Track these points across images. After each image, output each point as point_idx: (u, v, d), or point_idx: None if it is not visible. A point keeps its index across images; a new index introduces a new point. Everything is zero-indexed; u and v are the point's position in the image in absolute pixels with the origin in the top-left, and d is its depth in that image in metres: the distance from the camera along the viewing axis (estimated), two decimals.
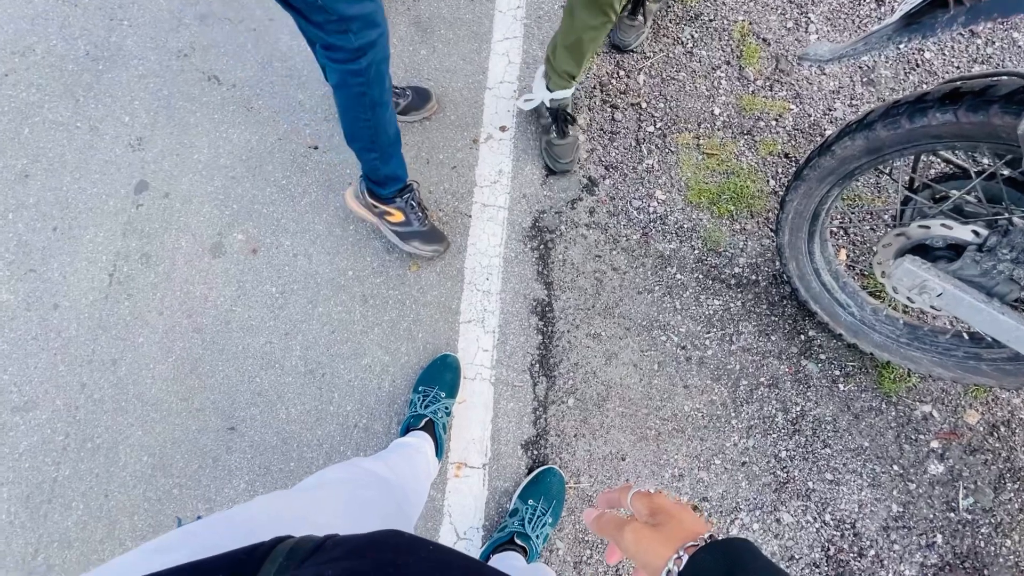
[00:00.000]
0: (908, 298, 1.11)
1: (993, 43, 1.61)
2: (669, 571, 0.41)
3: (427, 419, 1.24)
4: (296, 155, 1.65)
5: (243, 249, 1.56)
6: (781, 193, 1.52)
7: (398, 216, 1.39)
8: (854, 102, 1.60)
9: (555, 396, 1.39)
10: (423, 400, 1.27)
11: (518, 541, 1.14)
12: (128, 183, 1.64)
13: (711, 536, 0.42)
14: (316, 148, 1.66)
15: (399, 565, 0.37)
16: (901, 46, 0.89)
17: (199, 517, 0.48)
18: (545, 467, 1.30)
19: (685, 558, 0.40)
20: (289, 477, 1.34)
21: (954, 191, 1.02)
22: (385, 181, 1.31)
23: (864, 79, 1.63)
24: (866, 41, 0.94)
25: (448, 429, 1.32)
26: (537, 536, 1.18)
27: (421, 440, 1.20)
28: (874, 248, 1.22)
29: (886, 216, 1.48)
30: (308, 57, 1.78)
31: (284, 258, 1.53)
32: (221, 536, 0.46)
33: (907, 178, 1.15)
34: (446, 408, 1.28)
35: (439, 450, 1.24)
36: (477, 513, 1.28)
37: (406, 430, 1.25)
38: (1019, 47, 1.61)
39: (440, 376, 1.33)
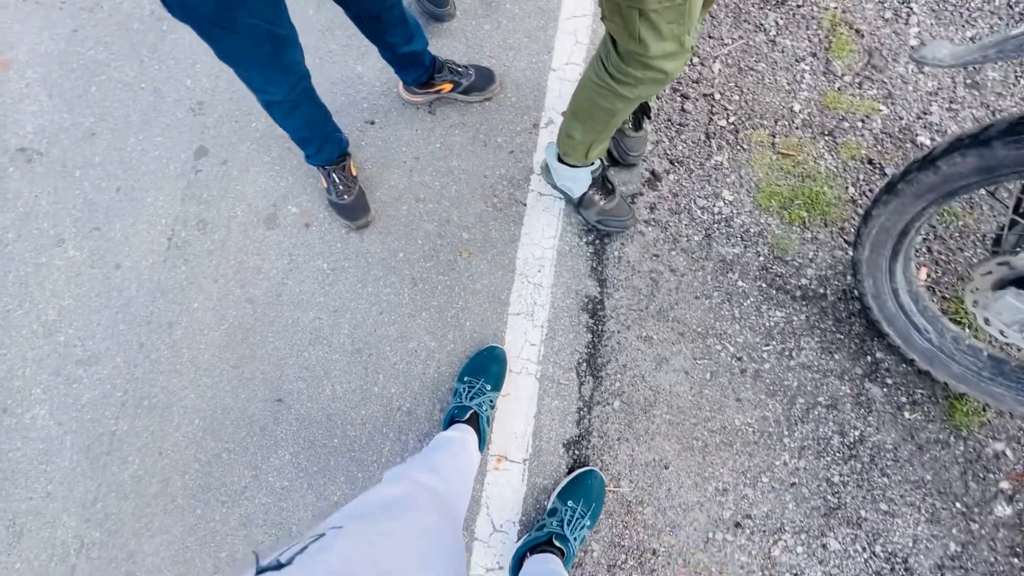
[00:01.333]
0: (1002, 332, 1.02)
1: None
2: None
3: (472, 411, 1.23)
4: (352, 129, 1.62)
5: (296, 223, 1.56)
6: (862, 201, 1.42)
7: (323, 183, 1.50)
8: (954, 106, 1.46)
9: (601, 397, 1.36)
10: (468, 391, 1.26)
11: (556, 543, 1.14)
12: (188, 148, 1.65)
13: None
14: (373, 123, 1.63)
15: None
16: None
17: (278, 562, 0.47)
18: (586, 468, 1.28)
19: None
20: (332, 453, 1.36)
21: None
22: (309, 157, 1.44)
23: (967, 81, 1.48)
24: (1000, 48, 0.83)
25: (492, 422, 1.31)
26: (575, 538, 1.17)
27: (465, 434, 1.19)
28: (968, 274, 1.12)
29: (978, 235, 1.37)
30: None
31: (336, 234, 1.53)
32: None
33: (1014, 200, 1.04)
34: (491, 401, 1.26)
35: (482, 443, 1.23)
36: (515, 507, 1.28)
37: (450, 420, 1.25)
38: None
39: (486, 368, 1.31)
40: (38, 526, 1.38)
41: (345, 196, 1.47)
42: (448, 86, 1.56)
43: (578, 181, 1.34)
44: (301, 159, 1.62)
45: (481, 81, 1.57)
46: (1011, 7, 1.52)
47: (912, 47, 1.52)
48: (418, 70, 1.50)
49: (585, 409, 1.35)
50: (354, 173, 1.50)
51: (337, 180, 1.47)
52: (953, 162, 0.96)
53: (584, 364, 1.38)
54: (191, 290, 1.53)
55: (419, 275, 1.47)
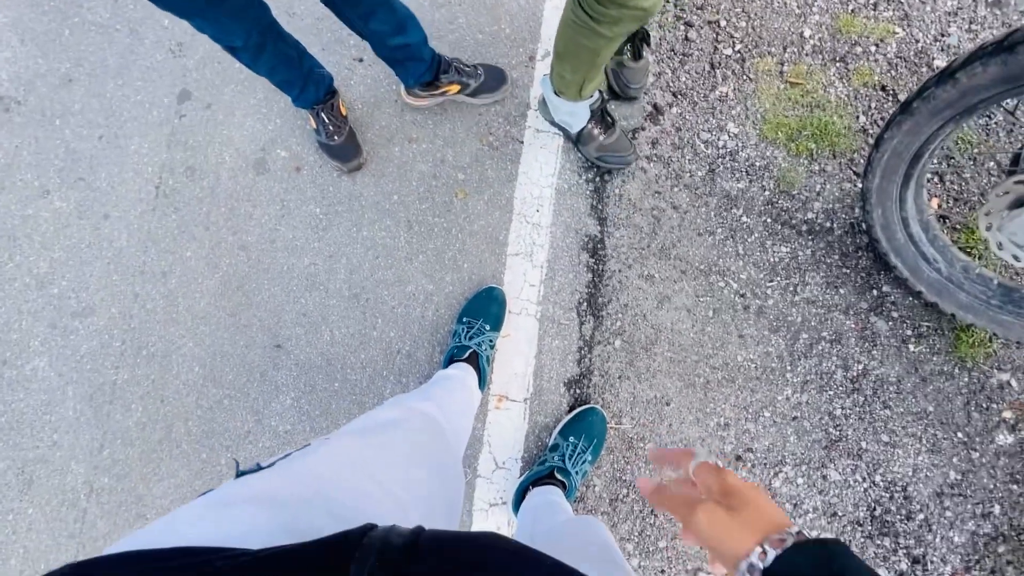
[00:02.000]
0: (1015, 255, 0.99)
1: None
2: (752, 565, 0.38)
3: (471, 351, 1.22)
4: (340, 67, 1.55)
5: (287, 167, 1.51)
6: (873, 131, 1.36)
7: (312, 123, 1.43)
8: (974, 26, 1.38)
9: (601, 336, 1.34)
10: (467, 331, 1.24)
11: (558, 476, 1.15)
12: (171, 92, 1.59)
13: (799, 532, 0.38)
14: (361, 61, 1.56)
15: None
16: None
17: (258, 465, 0.45)
18: (587, 406, 1.28)
19: (771, 553, 0.37)
20: (333, 397, 1.36)
21: None
22: (294, 100, 1.37)
23: None
24: None
25: (491, 362, 1.30)
26: (576, 472, 1.17)
27: (464, 372, 1.18)
28: (983, 197, 1.08)
29: (995, 161, 1.32)
30: None
31: (328, 178, 1.48)
32: (284, 489, 0.43)
33: None
34: (490, 341, 1.25)
35: (482, 382, 1.22)
36: (516, 445, 1.29)
37: (449, 361, 1.24)
38: None
39: (485, 308, 1.29)
40: (47, 473, 1.40)
41: (335, 137, 1.42)
42: (455, 87, 1.42)
43: (576, 115, 1.28)
44: (288, 101, 1.55)
45: (492, 82, 1.43)
46: None
47: None
48: (418, 68, 1.35)
49: (586, 348, 1.34)
50: (344, 113, 1.44)
51: (326, 120, 1.40)
52: (974, 73, 0.91)
53: (584, 304, 1.36)
54: (183, 238, 1.50)
55: (415, 217, 1.44)
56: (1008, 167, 1.03)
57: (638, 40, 1.32)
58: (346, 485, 0.41)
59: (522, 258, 1.39)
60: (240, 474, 0.44)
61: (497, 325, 1.28)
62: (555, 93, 1.26)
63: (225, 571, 0.30)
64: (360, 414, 1.35)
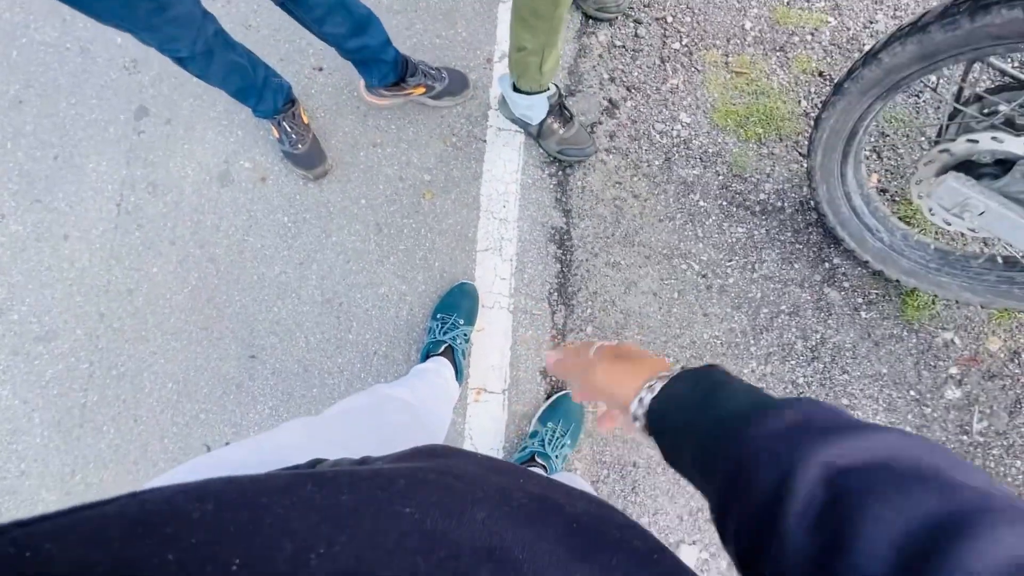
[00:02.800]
0: (945, 220, 1.07)
1: None
2: (641, 399, 0.40)
3: (446, 345, 1.24)
4: (300, 77, 1.56)
5: (251, 177, 1.51)
6: (814, 113, 1.44)
7: (275, 133, 1.43)
8: (898, 12, 1.49)
9: (573, 324, 1.38)
10: (442, 327, 1.27)
11: (538, 460, 1.17)
12: (127, 108, 1.57)
13: (683, 368, 0.41)
14: (321, 70, 1.57)
15: (451, 463, 0.36)
16: None
17: (227, 444, 0.47)
18: (564, 392, 1.31)
19: (658, 386, 0.40)
20: (312, 403, 1.36)
21: (1004, 104, 0.96)
22: (254, 110, 1.37)
23: None
24: None
25: (467, 355, 1.33)
26: (556, 456, 1.21)
27: (440, 365, 1.20)
28: (913, 168, 1.16)
29: (923, 139, 1.41)
30: None
31: (294, 186, 1.49)
32: (250, 459, 0.45)
33: (955, 90, 1.07)
34: (465, 335, 1.28)
35: (459, 375, 1.25)
36: (497, 436, 1.31)
37: (425, 356, 1.26)
38: None
39: (458, 303, 1.32)
40: (15, 505, 1.36)
41: (299, 145, 1.42)
42: (421, 89, 1.44)
43: (535, 108, 1.32)
44: (249, 112, 1.55)
45: (455, 85, 1.46)
46: None
47: None
48: (381, 68, 1.35)
49: (559, 337, 1.37)
50: (306, 120, 1.45)
51: (289, 129, 1.41)
52: (894, 52, 0.99)
53: (555, 293, 1.40)
54: (148, 255, 1.48)
55: (383, 220, 1.45)
56: (934, 139, 1.11)
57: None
58: (312, 451, 0.43)
59: (491, 253, 1.42)
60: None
61: (471, 319, 1.31)
62: (515, 89, 1.30)
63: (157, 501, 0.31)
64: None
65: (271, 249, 1.46)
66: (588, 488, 0.81)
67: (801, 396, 0.32)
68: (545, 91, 1.30)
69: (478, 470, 0.34)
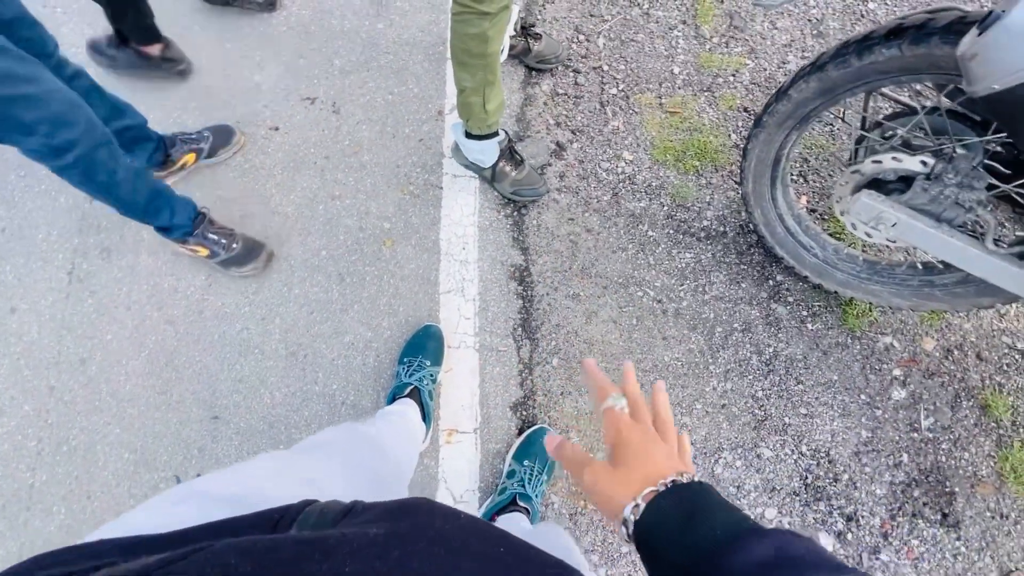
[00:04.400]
0: (866, 232, 1.17)
1: None
2: (630, 512, 0.40)
3: (412, 387, 1.25)
4: (257, 137, 1.60)
5: None
6: (743, 145, 1.57)
7: (203, 251, 1.39)
8: (806, 54, 1.66)
9: (539, 357, 1.41)
10: (407, 370, 1.27)
11: (520, 503, 1.17)
12: None
13: (673, 481, 0.41)
14: (277, 129, 1.62)
15: (437, 528, 0.37)
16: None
17: (198, 475, 0.48)
18: (535, 427, 1.32)
19: (643, 506, 0.39)
20: None
21: (901, 127, 1.08)
22: (167, 229, 1.32)
23: (814, 32, 1.68)
24: None
25: (436, 396, 1.33)
26: (536, 496, 1.20)
27: (406, 406, 1.20)
28: (833, 189, 1.27)
29: (841, 161, 1.55)
30: (264, 35, 1.73)
31: None
32: (227, 488, 0.46)
33: (859, 119, 1.20)
34: (431, 375, 1.28)
35: (427, 416, 1.25)
36: (472, 476, 1.30)
37: (392, 399, 1.25)
38: None
39: (423, 346, 1.33)
40: None
41: (233, 245, 1.39)
42: (191, 156, 1.50)
43: (487, 152, 1.40)
44: (207, 174, 1.58)
45: (220, 139, 1.52)
46: None
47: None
48: (146, 147, 1.42)
49: (526, 371, 1.40)
50: (221, 223, 1.42)
51: (216, 237, 1.37)
52: (800, 89, 1.11)
53: (519, 329, 1.43)
54: (102, 322, 1.44)
55: (345, 270, 1.47)
56: (847, 162, 1.23)
57: (527, 29, 1.52)
58: (284, 484, 0.44)
59: (454, 294, 1.45)
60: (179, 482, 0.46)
61: (437, 360, 1.32)
62: (466, 135, 1.38)
63: (160, 542, 0.32)
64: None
65: (232, 307, 1.45)
66: (569, 543, 0.81)
67: (776, 528, 0.33)
68: (495, 135, 1.38)
69: (461, 535, 0.36)
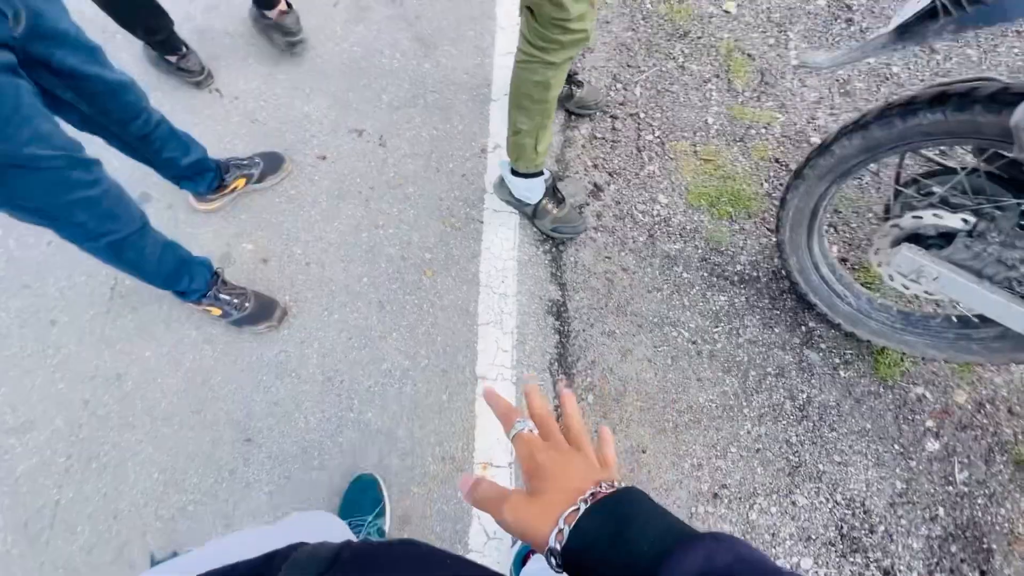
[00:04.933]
0: (904, 285, 1.21)
1: (951, 59, 1.78)
2: (552, 549, 0.36)
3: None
4: (304, 166, 1.65)
5: (253, 259, 1.54)
6: (776, 194, 1.62)
7: (216, 311, 1.40)
8: (834, 111, 1.73)
9: (575, 393, 1.41)
10: (353, 529, 1.20)
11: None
12: (131, 193, 1.60)
13: (592, 494, 0.37)
14: (324, 158, 1.67)
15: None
16: (895, 53, 0.99)
17: (174, 552, 0.48)
18: None
19: (567, 530, 0.36)
20: (313, 486, 1.31)
21: (937, 186, 1.13)
22: (183, 293, 1.35)
23: (841, 91, 1.76)
24: (863, 49, 1.04)
25: (471, 429, 1.33)
26: None
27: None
28: (870, 240, 1.31)
29: (871, 214, 1.60)
30: (316, 69, 1.81)
31: (296, 267, 1.53)
32: (195, 565, 0.43)
33: (895, 175, 1.25)
34: (377, 527, 1.22)
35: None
36: None
37: None
38: (972, 61, 1.78)
39: (359, 502, 1.26)
40: None
41: (245, 304, 1.39)
42: (242, 181, 1.56)
43: (534, 190, 1.44)
44: (254, 197, 1.62)
45: (271, 165, 1.58)
46: (863, 32, 1.85)
47: (797, 60, 1.80)
48: (208, 176, 1.48)
49: (562, 407, 1.40)
50: (233, 282, 1.44)
51: (228, 297, 1.38)
52: (843, 145, 1.16)
53: (555, 364, 1.44)
54: (141, 338, 1.45)
55: (385, 297, 1.49)
56: (882, 215, 1.28)
57: (571, 77, 1.59)
58: (265, 549, 0.42)
59: (492, 327, 1.47)
60: (155, 563, 0.45)
61: (377, 509, 1.25)
62: (512, 171, 1.43)
63: None
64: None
65: (268, 328, 1.46)
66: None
67: (711, 532, 0.32)
68: (541, 174, 1.43)
69: None
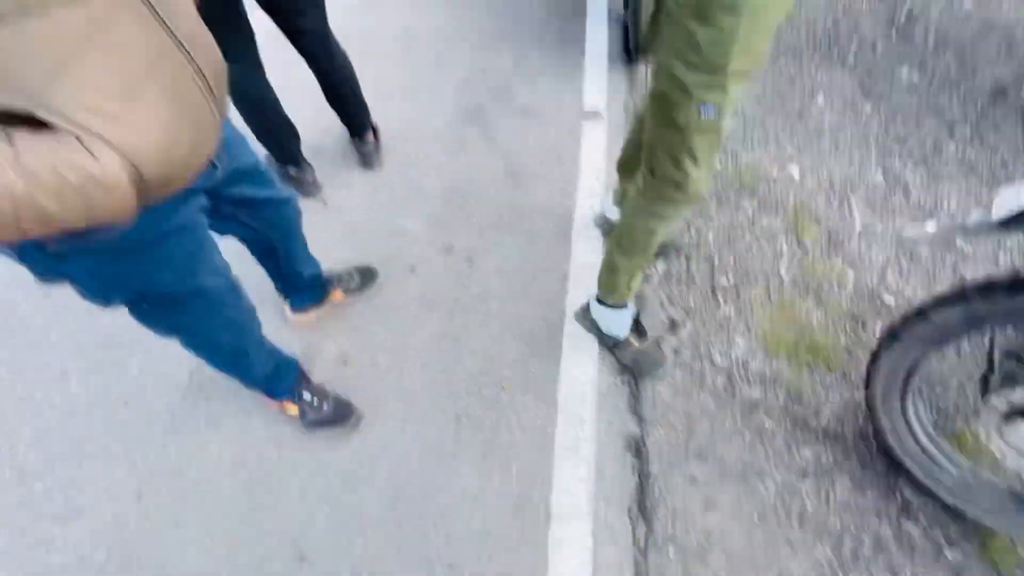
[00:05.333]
0: (1019, 465, 1.15)
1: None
2: None
3: None
4: (395, 275, 1.73)
5: (334, 360, 1.56)
6: (854, 350, 1.62)
7: (294, 409, 1.40)
8: (903, 273, 1.80)
9: (654, 542, 1.31)
10: None
11: None
12: None
13: None
14: (414, 271, 1.76)
15: None
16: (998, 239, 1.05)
17: None
18: None
19: None
20: None
21: None
22: (280, 391, 1.36)
23: (907, 255, 1.85)
24: (963, 230, 1.10)
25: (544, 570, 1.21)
26: None
27: None
28: (976, 411, 1.28)
29: (969, 381, 1.57)
30: (414, 190, 1.97)
31: (377, 373, 1.53)
32: None
33: (988, 342, 1.25)
34: None
35: None
36: None
37: None
38: None
39: None
40: None
41: (324, 406, 1.39)
42: (339, 293, 1.62)
43: (621, 325, 1.47)
44: (330, 306, 1.65)
45: (366, 279, 1.66)
46: (920, 206, 1.99)
47: (860, 227, 1.91)
48: (317, 291, 1.55)
49: (641, 557, 1.29)
50: (314, 381, 1.44)
51: (309, 397, 1.38)
52: (943, 314, 1.18)
53: (635, 507, 1.35)
54: (208, 430, 1.42)
55: (463, 411, 1.47)
56: (981, 385, 1.26)
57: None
58: None
59: (570, 452, 1.41)
60: None
61: None
62: (600, 302, 1.47)
63: None
64: None
65: (341, 433, 1.42)
66: None
67: None
68: (626, 307, 1.47)
69: None
